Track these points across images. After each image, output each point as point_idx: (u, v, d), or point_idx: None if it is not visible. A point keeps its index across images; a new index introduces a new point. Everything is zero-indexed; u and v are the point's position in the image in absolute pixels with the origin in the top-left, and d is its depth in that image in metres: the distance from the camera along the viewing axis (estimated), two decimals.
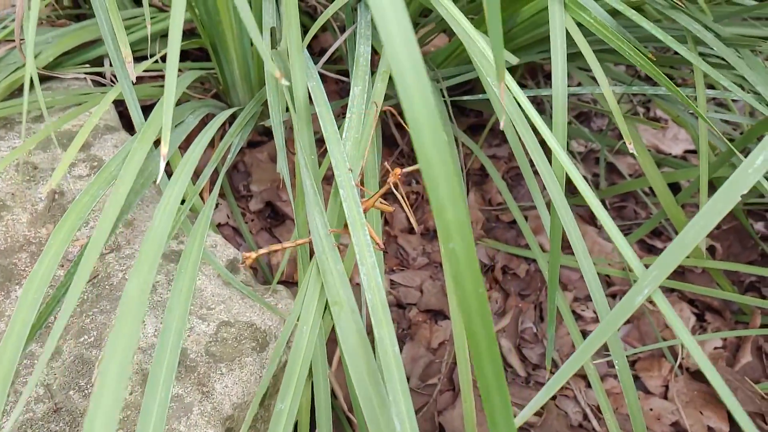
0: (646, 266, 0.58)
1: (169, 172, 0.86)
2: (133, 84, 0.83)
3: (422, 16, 1.26)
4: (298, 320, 0.64)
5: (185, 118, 0.95)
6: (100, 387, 0.48)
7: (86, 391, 0.67)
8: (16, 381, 0.68)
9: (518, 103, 0.68)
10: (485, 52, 0.71)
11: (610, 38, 0.71)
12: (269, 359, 0.75)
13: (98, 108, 0.81)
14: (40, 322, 0.68)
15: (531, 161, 0.74)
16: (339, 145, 0.70)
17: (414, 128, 0.29)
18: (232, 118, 0.99)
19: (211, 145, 1.12)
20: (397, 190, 0.69)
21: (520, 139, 0.70)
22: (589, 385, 1.10)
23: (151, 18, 1.11)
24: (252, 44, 1.02)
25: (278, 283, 0.88)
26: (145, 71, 1.05)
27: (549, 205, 0.74)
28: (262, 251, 0.75)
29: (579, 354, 0.62)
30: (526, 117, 0.69)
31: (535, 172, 0.77)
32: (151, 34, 1.08)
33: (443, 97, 1.12)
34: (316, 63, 0.93)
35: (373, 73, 0.84)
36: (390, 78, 0.83)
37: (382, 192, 0.70)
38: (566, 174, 0.68)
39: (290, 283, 1.12)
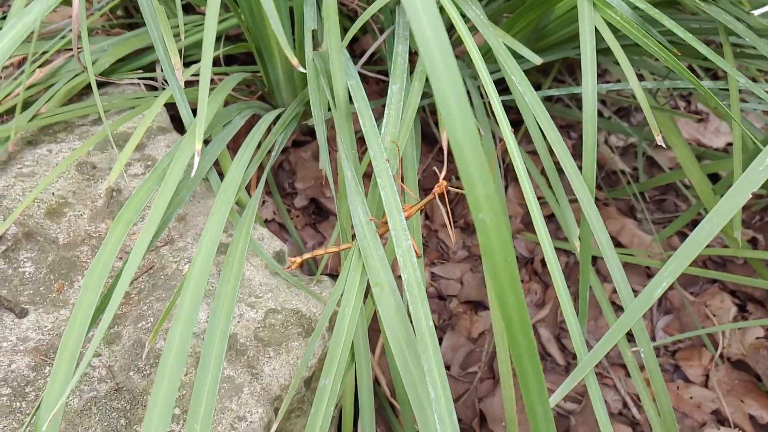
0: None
1: (219, 171, 0.91)
2: (183, 88, 0.88)
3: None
4: (339, 303, 0.67)
5: (232, 118, 0.99)
6: (163, 360, 0.53)
7: (144, 372, 0.72)
8: (79, 363, 0.73)
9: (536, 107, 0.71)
10: (507, 56, 0.74)
11: (636, 35, 0.73)
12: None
13: (150, 111, 0.86)
14: (102, 308, 0.73)
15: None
16: (377, 138, 0.73)
17: (446, 114, 0.32)
18: (277, 119, 1.04)
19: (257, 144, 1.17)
20: (442, 203, 0.71)
21: (546, 140, 0.73)
22: (628, 374, 1.11)
23: (200, 24, 1.16)
24: (295, 47, 1.06)
25: (322, 274, 0.92)
26: (193, 75, 1.11)
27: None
28: (306, 256, 0.76)
29: (602, 344, 0.64)
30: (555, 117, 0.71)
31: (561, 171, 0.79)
32: (195, 41, 1.14)
33: (482, 95, 1.14)
34: (356, 64, 0.97)
35: (411, 71, 0.87)
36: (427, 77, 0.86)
37: (426, 202, 0.72)
38: (605, 166, 0.70)
39: (334, 276, 1.16)
